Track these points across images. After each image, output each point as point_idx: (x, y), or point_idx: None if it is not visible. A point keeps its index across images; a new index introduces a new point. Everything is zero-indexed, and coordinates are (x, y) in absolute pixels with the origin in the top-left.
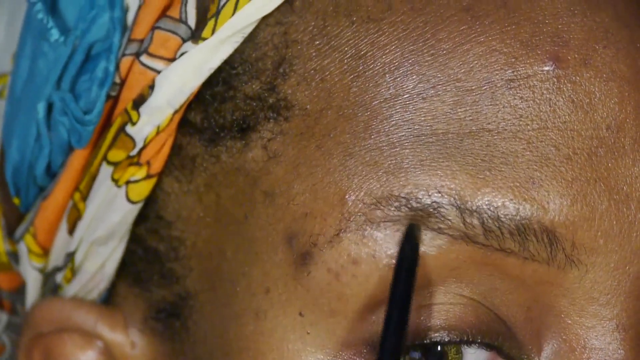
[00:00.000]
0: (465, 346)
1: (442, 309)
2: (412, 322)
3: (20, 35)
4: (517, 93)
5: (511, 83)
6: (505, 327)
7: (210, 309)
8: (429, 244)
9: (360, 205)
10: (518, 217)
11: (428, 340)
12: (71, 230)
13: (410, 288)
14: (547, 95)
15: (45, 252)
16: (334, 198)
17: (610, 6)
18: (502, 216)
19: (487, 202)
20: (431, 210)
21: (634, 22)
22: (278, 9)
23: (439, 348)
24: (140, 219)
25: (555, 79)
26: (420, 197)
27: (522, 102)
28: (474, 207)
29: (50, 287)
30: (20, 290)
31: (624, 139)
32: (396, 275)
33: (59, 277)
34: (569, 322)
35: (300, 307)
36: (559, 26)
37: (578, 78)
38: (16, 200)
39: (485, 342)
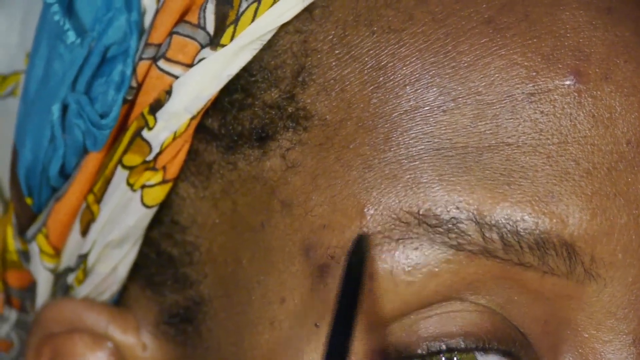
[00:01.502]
0: (481, 353)
1: (458, 315)
2: (429, 329)
3: (35, 36)
4: (538, 107)
5: (532, 97)
6: (522, 336)
7: (225, 316)
8: (449, 260)
9: (378, 220)
10: (537, 231)
11: (444, 347)
12: (84, 232)
13: (355, 305)
14: (568, 110)
15: (57, 252)
16: (352, 211)
17: (631, 21)
18: (521, 230)
19: (506, 217)
20: (450, 226)
21: None
22: (298, 17)
23: (455, 358)
24: (155, 223)
25: (576, 94)
26: (439, 213)
27: (542, 116)
28: (493, 222)
29: (62, 288)
30: (30, 288)
31: None
32: (342, 293)
33: (71, 278)
34: (586, 335)
35: (316, 318)
36: (580, 40)
37: (599, 92)
38: (29, 200)
39: (501, 349)
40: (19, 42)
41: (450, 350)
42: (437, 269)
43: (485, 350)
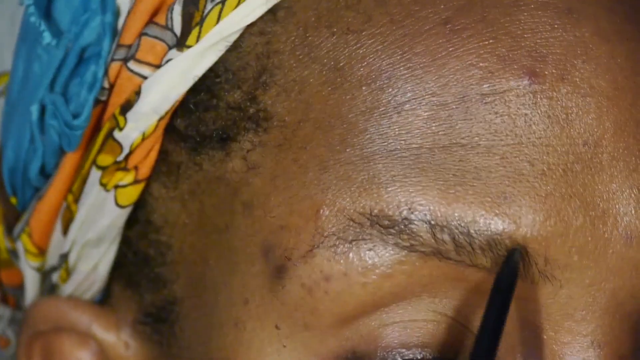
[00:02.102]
0: None
1: (416, 325)
2: (386, 339)
3: (18, 37)
4: (492, 108)
5: (486, 98)
6: None
7: (195, 316)
8: (402, 261)
9: (333, 221)
10: (489, 232)
11: (400, 359)
12: (65, 231)
13: (503, 315)
14: (523, 111)
15: (41, 251)
16: (308, 212)
17: (592, 21)
18: (472, 232)
19: (457, 218)
20: (402, 227)
21: (615, 37)
22: (262, 18)
23: None
24: (132, 222)
25: (531, 94)
26: (391, 214)
27: (497, 117)
28: (445, 223)
29: (48, 286)
30: (23, 286)
31: (601, 155)
32: (490, 301)
33: (55, 277)
34: (545, 337)
35: (276, 319)
36: (538, 41)
37: (555, 93)
38: (13, 200)
39: (459, 359)
40: (8, 41)
41: None
42: (390, 270)
43: None
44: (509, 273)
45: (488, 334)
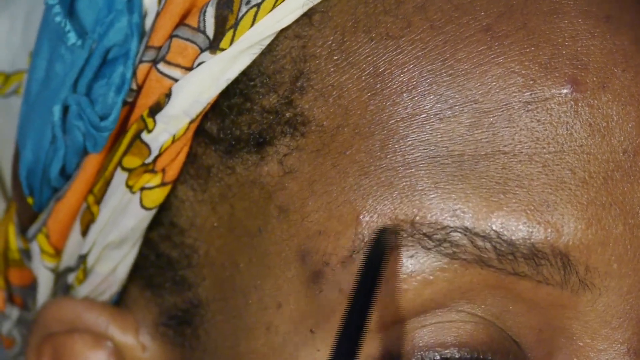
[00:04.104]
0: None
1: (454, 326)
2: (423, 339)
3: (38, 36)
4: (535, 115)
5: (528, 105)
6: (517, 347)
7: (222, 319)
8: (443, 268)
9: (374, 228)
10: (531, 241)
11: (439, 357)
12: (84, 233)
13: (370, 299)
14: (565, 119)
15: (58, 252)
16: (348, 218)
17: (630, 29)
18: (515, 240)
19: (500, 226)
20: (444, 234)
21: None
22: (297, 21)
23: None
24: (154, 224)
25: (572, 102)
26: (433, 221)
27: (539, 124)
28: (487, 231)
29: (62, 287)
30: (32, 286)
31: None
32: (359, 283)
33: (71, 278)
34: (581, 344)
35: (311, 324)
36: (579, 49)
37: (596, 101)
38: (30, 200)
39: (496, 359)
40: (22, 41)
41: None
42: (431, 277)
43: None
44: (375, 257)
45: (351, 322)
